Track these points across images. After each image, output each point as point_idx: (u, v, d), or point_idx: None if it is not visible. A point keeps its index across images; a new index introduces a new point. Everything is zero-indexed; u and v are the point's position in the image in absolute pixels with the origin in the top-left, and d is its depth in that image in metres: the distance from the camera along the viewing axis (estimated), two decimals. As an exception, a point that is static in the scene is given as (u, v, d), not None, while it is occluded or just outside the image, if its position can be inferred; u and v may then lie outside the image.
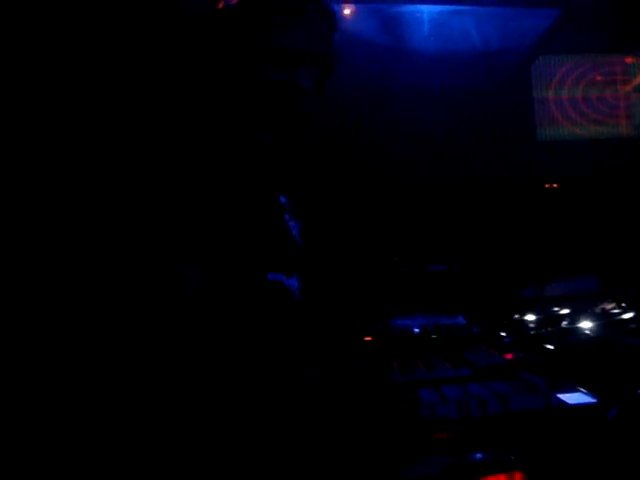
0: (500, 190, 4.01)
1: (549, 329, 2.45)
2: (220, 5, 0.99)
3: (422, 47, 3.49)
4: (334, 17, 1.06)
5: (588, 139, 4.34)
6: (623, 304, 2.68)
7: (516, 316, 2.79)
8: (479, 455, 1.35)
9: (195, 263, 0.78)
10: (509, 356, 2.03)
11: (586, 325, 2.30)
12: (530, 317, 2.72)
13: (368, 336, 2.42)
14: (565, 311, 2.73)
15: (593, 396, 1.61)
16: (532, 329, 2.54)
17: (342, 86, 2.82)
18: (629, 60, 4.36)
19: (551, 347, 2.19)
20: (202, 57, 0.95)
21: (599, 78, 4.32)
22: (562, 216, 3.59)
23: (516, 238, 3.39)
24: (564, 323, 2.42)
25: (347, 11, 3.30)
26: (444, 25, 3.37)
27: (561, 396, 1.63)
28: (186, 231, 0.80)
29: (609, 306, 2.68)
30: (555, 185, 4.34)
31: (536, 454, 1.47)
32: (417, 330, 2.54)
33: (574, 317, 2.51)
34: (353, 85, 3.55)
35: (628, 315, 2.31)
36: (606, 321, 2.30)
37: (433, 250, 3.24)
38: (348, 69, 3.49)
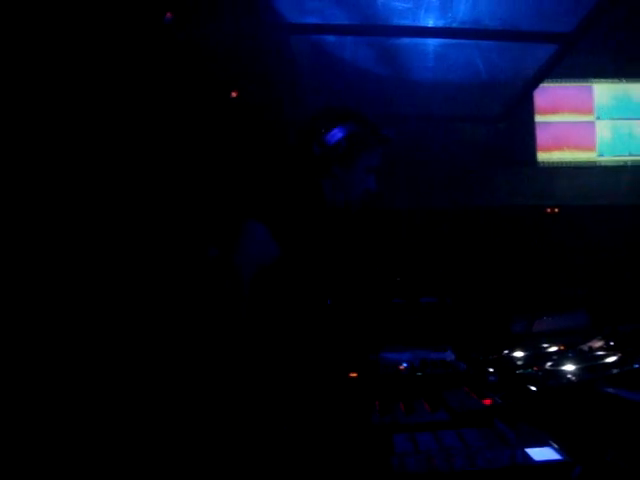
0: (500, 215, 4.03)
1: (535, 369, 2.47)
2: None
3: (424, 77, 3.52)
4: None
5: (591, 164, 4.35)
6: (611, 342, 2.69)
7: (505, 351, 2.82)
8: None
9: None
10: (487, 402, 2.06)
11: (569, 368, 2.33)
12: (518, 353, 2.74)
13: (354, 372, 2.46)
14: (553, 348, 2.75)
15: (560, 453, 1.64)
16: (518, 367, 2.57)
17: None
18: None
19: (534, 389, 2.22)
20: None
21: (600, 103, 4.32)
22: (557, 247, 3.60)
23: (509, 270, 3.41)
24: (549, 364, 2.45)
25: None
26: (447, 57, 3.40)
27: (529, 451, 1.66)
28: None
29: (597, 344, 2.70)
30: (557, 210, 4.34)
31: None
32: (405, 364, 2.58)
33: (560, 357, 2.53)
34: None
35: (611, 359, 2.33)
36: (589, 364, 2.32)
37: (425, 281, 3.27)
38: (354, 98, 3.55)
